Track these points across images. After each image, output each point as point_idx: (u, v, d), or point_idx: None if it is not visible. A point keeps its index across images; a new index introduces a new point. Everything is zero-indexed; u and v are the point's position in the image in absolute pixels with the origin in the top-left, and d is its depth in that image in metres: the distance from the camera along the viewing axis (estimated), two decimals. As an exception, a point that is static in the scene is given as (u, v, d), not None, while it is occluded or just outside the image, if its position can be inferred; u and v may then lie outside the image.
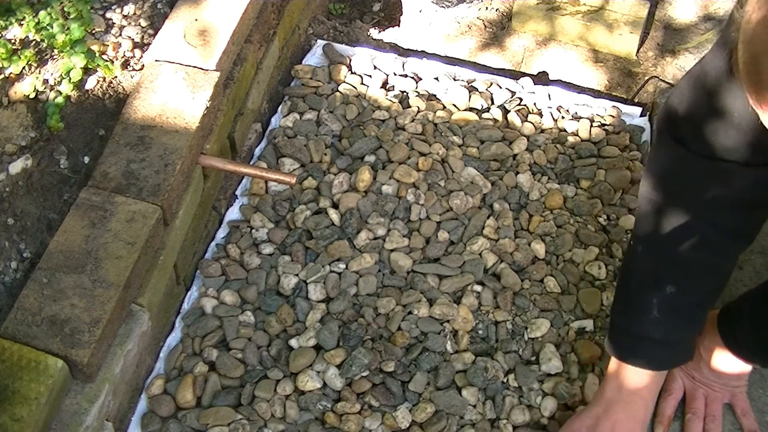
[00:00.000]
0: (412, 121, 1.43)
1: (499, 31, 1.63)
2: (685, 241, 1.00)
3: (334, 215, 1.30)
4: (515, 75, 1.56)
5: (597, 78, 1.58)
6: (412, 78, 1.51)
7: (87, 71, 1.14)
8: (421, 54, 1.60)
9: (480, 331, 1.22)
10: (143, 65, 1.17)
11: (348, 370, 1.15)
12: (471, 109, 1.47)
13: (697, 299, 1.05)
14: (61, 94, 1.11)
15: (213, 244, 1.29)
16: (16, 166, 1.04)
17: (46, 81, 1.12)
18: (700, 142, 0.94)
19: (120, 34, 1.20)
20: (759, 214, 1.02)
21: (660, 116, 1.01)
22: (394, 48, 1.62)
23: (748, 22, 0.58)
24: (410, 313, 1.22)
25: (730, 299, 1.13)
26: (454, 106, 1.47)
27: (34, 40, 1.14)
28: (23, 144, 1.06)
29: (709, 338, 1.12)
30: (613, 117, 1.48)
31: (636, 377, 1.08)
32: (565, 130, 1.46)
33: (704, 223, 0.99)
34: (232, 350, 1.18)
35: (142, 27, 1.22)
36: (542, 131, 1.45)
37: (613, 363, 1.10)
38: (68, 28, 1.13)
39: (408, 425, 1.13)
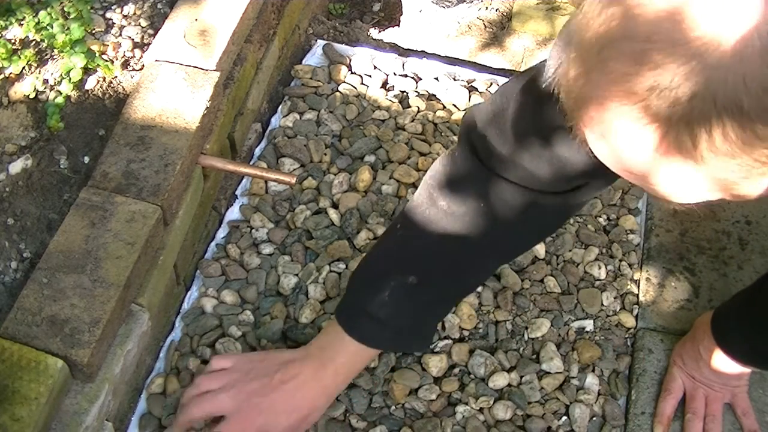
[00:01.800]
0: (412, 121, 1.43)
1: (499, 31, 1.63)
2: (447, 242, 0.98)
3: (334, 215, 1.30)
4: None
5: (597, 78, 1.58)
6: (412, 78, 1.51)
7: (87, 71, 1.14)
8: (421, 54, 1.60)
9: (480, 330, 1.23)
10: (143, 65, 1.17)
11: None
12: (471, 109, 1.47)
13: (436, 298, 1.03)
14: (61, 94, 1.11)
15: (213, 244, 1.29)
16: (16, 166, 1.04)
17: (46, 81, 1.12)
18: (495, 162, 0.93)
19: (120, 34, 1.20)
20: (531, 239, 1.04)
21: (463, 123, 0.99)
22: (394, 48, 1.62)
23: (566, 75, 0.59)
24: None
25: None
26: (454, 106, 1.47)
27: (34, 40, 1.14)
28: (23, 144, 1.06)
29: (709, 338, 1.12)
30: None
31: (346, 346, 1.02)
32: (565, 130, 1.46)
33: (475, 232, 0.97)
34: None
35: (142, 27, 1.22)
36: (542, 131, 1.45)
37: (333, 323, 1.04)
38: (68, 28, 1.13)
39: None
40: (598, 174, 0.83)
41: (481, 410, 1.16)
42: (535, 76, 0.88)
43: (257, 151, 1.40)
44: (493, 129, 0.93)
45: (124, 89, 1.15)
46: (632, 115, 0.54)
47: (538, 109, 0.85)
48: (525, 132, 0.90)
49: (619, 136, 0.56)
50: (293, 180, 1.18)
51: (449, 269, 1.02)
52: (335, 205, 1.32)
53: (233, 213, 1.32)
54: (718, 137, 0.51)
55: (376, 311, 1.01)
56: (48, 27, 1.13)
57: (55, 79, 1.12)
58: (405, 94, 1.48)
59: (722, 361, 1.12)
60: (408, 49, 1.62)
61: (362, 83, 1.49)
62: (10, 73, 1.11)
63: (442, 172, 1.00)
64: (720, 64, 0.50)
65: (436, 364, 1.17)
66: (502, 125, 0.91)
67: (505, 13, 1.65)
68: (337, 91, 1.47)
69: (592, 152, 0.62)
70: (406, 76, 1.51)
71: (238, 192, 1.35)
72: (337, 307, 1.06)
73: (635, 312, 1.27)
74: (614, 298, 1.27)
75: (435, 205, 0.99)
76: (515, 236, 1.02)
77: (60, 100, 1.10)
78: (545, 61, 0.86)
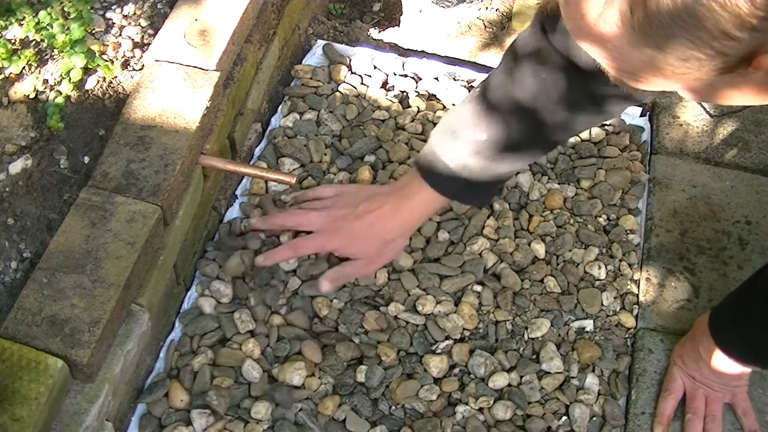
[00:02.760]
0: (412, 121, 1.43)
1: (499, 31, 1.63)
2: (517, 109, 1.03)
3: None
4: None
5: (597, 78, 1.58)
6: (412, 78, 1.51)
7: (87, 71, 1.14)
8: (421, 54, 1.60)
9: (480, 330, 1.23)
10: (143, 65, 1.17)
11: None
12: (471, 109, 1.47)
13: (501, 157, 1.07)
14: (61, 94, 1.11)
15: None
16: (16, 166, 1.04)
17: (46, 81, 1.12)
18: (558, 38, 0.96)
19: (120, 34, 1.20)
20: (586, 126, 1.12)
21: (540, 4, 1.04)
22: (394, 48, 1.62)
23: None
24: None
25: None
26: (454, 106, 1.47)
27: (34, 40, 1.14)
28: (23, 144, 1.06)
29: (708, 338, 1.12)
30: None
31: (424, 189, 1.12)
32: (565, 130, 1.46)
33: (541, 106, 1.02)
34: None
35: (142, 27, 1.22)
36: (542, 131, 1.45)
37: (413, 171, 1.14)
38: (68, 28, 1.13)
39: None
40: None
41: (481, 410, 1.16)
42: None
43: (257, 151, 1.40)
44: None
45: (124, 89, 1.15)
46: None
47: None
48: None
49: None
50: (293, 180, 1.18)
51: (517, 133, 1.05)
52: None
53: (233, 213, 1.32)
54: None
55: (449, 162, 1.08)
56: (48, 27, 1.13)
57: (55, 79, 1.12)
58: (405, 94, 1.48)
59: (722, 361, 1.12)
60: (408, 49, 1.62)
61: (362, 83, 1.49)
62: (10, 73, 1.11)
63: (521, 48, 1.03)
64: None
65: (436, 365, 1.17)
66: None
67: (505, 13, 1.65)
68: (337, 91, 1.47)
69: None
70: (406, 76, 1.51)
71: (238, 192, 1.35)
72: (420, 154, 1.13)
73: (635, 312, 1.27)
74: (614, 298, 1.27)
75: (511, 75, 1.03)
76: (578, 119, 1.06)
77: (60, 100, 1.10)
78: None
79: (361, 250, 1.16)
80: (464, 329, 1.22)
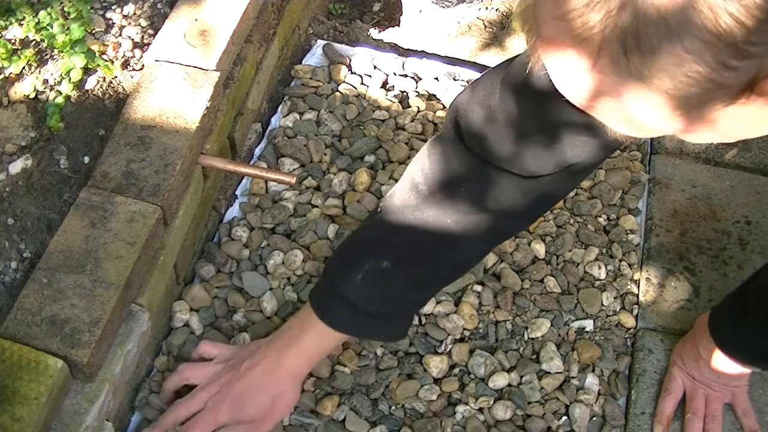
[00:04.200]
0: (412, 121, 1.43)
1: (499, 31, 1.63)
2: (426, 229, 0.96)
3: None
4: (515, 75, 1.56)
5: (597, 78, 1.58)
6: (412, 78, 1.51)
7: (87, 71, 1.14)
8: (421, 54, 1.60)
9: (480, 330, 1.23)
10: (143, 65, 1.17)
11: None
12: (471, 109, 1.47)
13: (410, 284, 1.01)
14: (61, 94, 1.11)
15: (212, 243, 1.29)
16: (16, 166, 1.04)
17: (46, 81, 1.12)
18: (494, 160, 0.92)
19: (120, 34, 1.20)
20: (529, 221, 1.03)
21: (450, 119, 0.98)
22: (394, 48, 1.62)
23: None
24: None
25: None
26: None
27: (34, 40, 1.14)
28: (23, 144, 1.06)
29: (708, 338, 1.12)
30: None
31: (314, 328, 1.03)
32: (565, 130, 1.46)
33: (453, 219, 0.96)
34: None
35: (142, 27, 1.22)
36: (542, 131, 1.45)
37: (307, 306, 1.06)
38: (68, 28, 1.13)
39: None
40: (600, 158, 0.84)
41: (481, 410, 1.16)
42: (516, 72, 0.87)
43: (257, 151, 1.40)
44: (489, 129, 0.92)
45: (124, 89, 1.15)
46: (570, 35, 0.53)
47: (536, 107, 0.85)
48: (525, 132, 0.89)
49: (560, 63, 0.56)
50: (293, 180, 1.18)
51: (425, 255, 1.00)
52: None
53: (233, 213, 1.32)
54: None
55: (348, 295, 1.00)
56: (48, 27, 1.13)
57: (55, 79, 1.12)
58: (405, 94, 1.48)
59: (722, 361, 1.12)
60: (408, 49, 1.62)
61: (362, 83, 1.49)
62: (10, 73, 1.11)
63: (430, 164, 0.98)
64: None
65: (437, 365, 1.17)
66: (497, 127, 0.91)
67: (505, 13, 1.65)
68: (337, 91, 1.47)
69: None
70: (406, 76, 1.51)
71: (238, 192, 1.35)
72: (312, 290, 1.07)
73: (635, 312, 1.27)
74: (614, 298, 1.27)
75: (418, 194, 0.98)
76: (513, 222, 1.02)
77: (60, 100, 1.10)
78: (519, 55, 0.85)
79: (250, 412, 1.04)
80: (464, 329, 1.22)
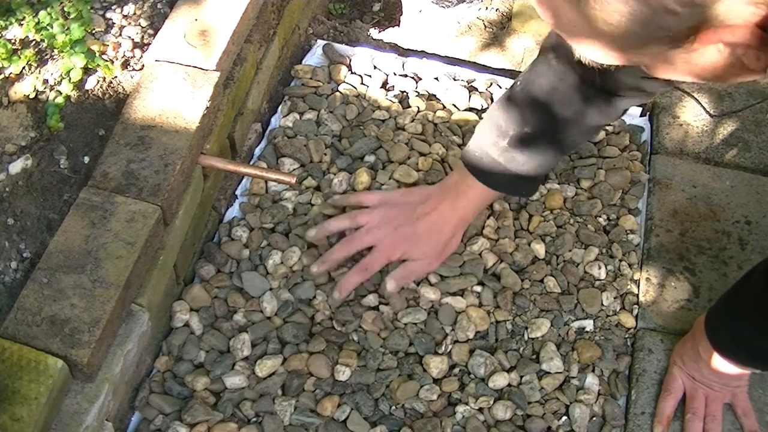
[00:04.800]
0: (412, 121, 1.43)
1: (499, 31, 1.63)
2: (555, 104, 1.07)
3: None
4: (515, 75, 1.56)
5: (597, 78, 1.58)
6: (412, 78, 1.51)
7: (87, 71, 1.14)
8: (421, 54, 1.60)
9: (480, 330, 1.23)
10: (143, 65, 1.17)
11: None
12: (471, 109, 1.47)
13: (546, 148, 1.12)
14: (61, 94, 1.11)
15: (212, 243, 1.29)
16: (16, 166, 1.04)
17: (46, 81, 1.12)
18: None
19: (120, 34, 1.20)
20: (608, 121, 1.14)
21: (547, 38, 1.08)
22: (394, 48, 1.62)
23: None
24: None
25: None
26: (454, 106, 1.47)
27: (34, 40, 1.14)
28: (23, 144, 1.06)
29: (707, 339, 1.12)
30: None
31: (475, 184, 1.16)
32: (565, 130, 1.46)
33: (571, 110, 1.07)
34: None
35: (142, 27, 1.22)
36: (542, 131, 1.45)
37: (460, 168, 1.18)
38: (68, 28, 1.13)
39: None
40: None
41: (481, 410, 1.16)
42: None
43: (257, 151, 1.40)
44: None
45: (124, 89, 1.15)
46: None
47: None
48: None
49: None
50: (293, 180, 1.18)
51: (557, 124, 1.10)
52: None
53: (233, 213, 1.32)
54: None
55: (497, 157, 1.12)
56: (48, 27, 1.13)
57: (55, 79, 1.12)
58: (405, 94, 1.48)
59: (722, 362, 1.12)
60: (408, 49, 1.62)
61: (362, 83, 1.49)
62: (10, 73, 1.11)
63: (546, 43, 1.08)
64: None
65: (437, 365, 1.17)
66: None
67: (505, 13, 1.65)
68: (337, 91, 1.47)
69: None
70: (406, 76, 1.51)
71: (238, 192, 1.35)
72: (465, 150, 1.17)
73: (635, 312, 1.27)
74: (614, 298, 1.27)
75: (548, 67, 1.07)
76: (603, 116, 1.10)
77: (60, 100, 1.10)
78: None
79: (426, 251, 1.19)
80: (477, 331, 1.22)
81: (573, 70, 1.04)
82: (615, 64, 0.61)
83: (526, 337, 1.23)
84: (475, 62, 1.61)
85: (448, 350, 1.20)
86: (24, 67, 1.12)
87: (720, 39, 0.52)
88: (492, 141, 1.12)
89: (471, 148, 1.16)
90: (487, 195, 1.19)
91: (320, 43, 1.55)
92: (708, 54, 0.54)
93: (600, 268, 1.29)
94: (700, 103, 1.51)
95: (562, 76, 1.05)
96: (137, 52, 1.19)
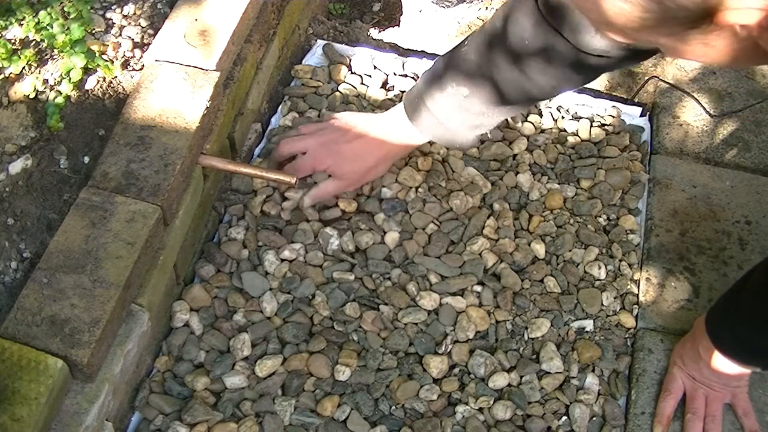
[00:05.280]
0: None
1: (499, 31, 1.63)
2: (499, 69, 1.08)
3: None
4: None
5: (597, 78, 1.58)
6: (412, 78, 1.51)
7: (87, 71, 1.14)
8: (421, 54, 1.60)
9: (480, 330, 1.23)
10: (143, 65, 1.17)
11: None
12: (471, 109, 1.47)
13: (480, 111, 1.14)
14: (61, 94, 1.11)
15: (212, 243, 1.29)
16: (16, 166, 1.04)
17: (46, 81, 1.12)
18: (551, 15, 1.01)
19: (120, 34, 1.20)
20: (569, 87, 1.13)
21: None
22: (394, 48, 1.62)
23: None
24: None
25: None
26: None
27: (34, 40, 1.14)
28: (23, 144, 1.06)
29: (707, 338, 1.12)
30: (613, 117, 1.48)
31: (408, 127, 1.21)
32: (565, 130, 1.46)
33: (523, 74, 1.07)
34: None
35: (142, 27, 1.22)
36: (542, 131, 1.45)
37: (400, 106, 1.22)
38: (68, 28, 1.13)
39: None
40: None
41: (481, 410, 1.16)
42: None
43: (257, 151, 1.40)
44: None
45: (124, 89, 1.15)
46: None
47: None
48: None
49: None
50: (293, 180, 1.18)
51: (495, 91, 1.12)
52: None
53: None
54: None
55: (434, 108, 1.16)
56: (48, 27, 1.13)
57: (55, 79, 1.12)
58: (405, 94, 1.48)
59: (722, 362, 1.12)
60: (408, 49, 1.62)
61: (362, 83, 1.49)
62: (10, 73, 1.11)
63: (507, 26, 1.07)
64: None
65: (436, 365, 1.17)
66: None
67: (505, 13, 1.65)
68: (337, 90, 1.47)
69: None
70: (406, 76, 1.51)
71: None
72: (406, 95, 1.22)
73: (635, 312, 1.27)
74: (614, 298, 1.27)
75: (494, 49, 1.09)
76: (562, 82, 1.12)
77: (60, 100, 1.10)
78: None
79: (347, 171, 1.25)
80: (478, 331, 1.22)
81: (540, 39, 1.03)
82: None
83: (526, 337, 1.23)
84: (475, 62, 1.60)
85: (448, 350, 1.20)
86: (24, 67, 1.12)
87: (737, 20, 0.52)
88: (429, 90, 1.16)
89: (413, 93, 1.20)
90: (417, 139, 1.24)
91: (320, 43, 1.55)
92: (724, 36, 0.55)
93: (600, 268, 1.29)
94: (700, 103, 1.51)
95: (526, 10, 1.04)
96: (137, 52, 1.19)
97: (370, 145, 1.25)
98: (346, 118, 1.29)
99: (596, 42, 0.99)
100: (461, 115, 1.15)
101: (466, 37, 1.14)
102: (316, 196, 1.27)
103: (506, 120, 1.42)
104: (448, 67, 1.14)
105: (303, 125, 1.33)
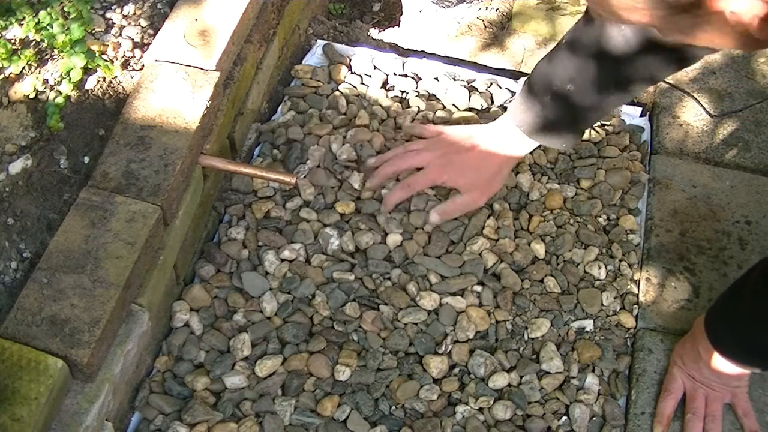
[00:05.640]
0: (412, 121, 1.43)
1: (499, 31, 1.63)
2: (596, 66, 1.09)
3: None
4: (515, 75, 1.56)
5: (597, 78, 1.58)
6: (412, 78, 1.51)
7: (87, 71, 1.14)
8: (421, 54, 1.60)
9: (480, 330, 1.23)
10: (143, 65, 1.17)
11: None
12: (471, 109, 1.47)
13: (586, 105, 1.14)
14: (61, 94, 1.11)
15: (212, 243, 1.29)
16: (16, 166, 1.04)
17: (46, 81, 1.12)
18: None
19: (120, 34, 1.20)
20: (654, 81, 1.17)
21: None
22: (394, 48, 1.62)
23: None
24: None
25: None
26: (454, 106, 1.47)
27: (34, 40, 1.14)
28: (23, 144, 1.06)
29: (707, 338, 1.12)
30: (613, 117, 1.48)
31: (521, 135, 1.20)
32: (565, 130, 1.46)
33: (618, 68, 1.08)
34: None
35: (142, 27, 1.22)
36: (542, 131, 1.45)
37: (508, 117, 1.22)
38: (68, 28, 1.13)
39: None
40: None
41: (481, 410, 1.16)
42: None
43: (257, 151, 1.40)
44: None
45: (124, 89, 1.15)
46: None
47: None
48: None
49: None
50: (293, 180, 1.18)
51: (597, 85, 1.12)
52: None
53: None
54: None
55: (541, 111, 1.15)
56: (48, 27, 1.13)
57: (55, 79, 1.12)
58: (405, 94, 1.48)
59: (721, 362, 1.12)
60: (408, 49, 1.62)
61: (362, 83, 1.49)
62: (10, 73, 1.11)
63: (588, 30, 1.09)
64: None
65: (436, 365, 1.17)
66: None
67: (505, 13, 1.65)
68: (337, 90, 1.47)
69: None
70: (406, 76, 1.51)
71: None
72: (512, 103, 1.21)
73: (635, 312, 1.27)
74: (614, 298, 1.27)
75: (594, 62, 1.09)
76: (646, 79, 1.13)
77: (60, 100, 1.10)
78: None
79: (471, 180, 1.23)
80: (478, 331, 1.22)
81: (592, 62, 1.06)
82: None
83: (526, 337, 1.23)
84: (475, 62, 1.61)
85: (448, 350, 1.20)
86: (24, 67, 1.12)
87: (727, 6, 0.53)
88: (534, 96, 1.15)
89: (518, 100, 1.19)
90: (525, 149, 1.22)
91: (320, 43, 1.55)
92: (716, 21, 0.55)
93: (600, 268, 1.29)
94: (700, 103, 1.51)
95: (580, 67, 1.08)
96: (137, 52, 1.19)
97: (485, 155, 1.23)
98: (456, 131, 1.28)
99: None
100: (567, 111, 1.15)
101: (550, 56, 1.14)
102: (446, 211, 1.25)
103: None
104: (546, 71, 1.14)
105: (410, 143, 1.30)
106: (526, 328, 1.23)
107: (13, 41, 1.13)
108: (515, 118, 1.20)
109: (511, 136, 1.21)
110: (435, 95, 1.49)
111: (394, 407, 1.16)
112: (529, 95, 1.17)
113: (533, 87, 1.16)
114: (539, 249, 1.30)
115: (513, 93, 1.50)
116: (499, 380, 1.18)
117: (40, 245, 1.01)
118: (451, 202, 1.24)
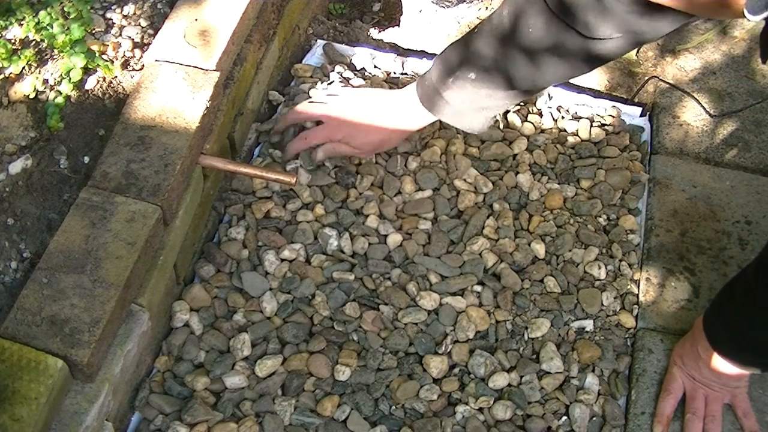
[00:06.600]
0: (412, 121, 1.43)
1: (499, 31, 1.63)
2: (506, 56, 1.11)
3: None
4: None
5: (597, 78, 1.58)
6: (412, 78, 1.51)
7: (87, 71, 1.14)
8: (421, 54, 1.60)
9: (480, 330, 1.23)
10: (143, 65, 1.17)
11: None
12: (471, 109, 1.47)
13: (487, 94, 1.17)
14: (61, 94, 1.11)
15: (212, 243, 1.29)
16: (16, 166, 1.04)
17: (46, 81, 1.12)
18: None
19: (120, 34, 1.20)
20: (575, 74, 1.15)
21: None
22: (394, 48, 1.62)
23: None
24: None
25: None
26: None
27: (34, 40, 1.14)
28: (23, 144, 1.06)
29: (706, 339, 1.12)
30: (613, 117, 1.48)
31: (420, 107, 1.23)
32: (565, 130, 1.46)
33: (530, 59, 1.10)
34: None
35: (142, 27, 1.22)
36: (542, 131, 1.45)
37: (413, 87, 1.25)
38: (68, 28, 1.13)
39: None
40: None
41: (481, 410, 1.16)
42: None
43: (257, 151, 1.40)
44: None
45: (124, 89, 1.15)
46: None
47: None
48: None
49: None
50: (293, 179, 1.18)
51: (503, 75, 1.15)
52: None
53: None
54: None
55: (444, 91, 1.19)
56: (48, 27, 1.13)
57: (55, 79, 1.12)
58: (405, 94, 1.48)
59: (721, 362, 1.12)
60: (408, 49, 1.62)
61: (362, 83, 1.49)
62: (10, 73, 1.11)
63: (513, 18, 1.09)
64: None
65: (436, 365, 1.17)
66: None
67: (505, 13, 1.65)
68: (337, 91, 1.47)
69: None
70: (405, 75, 1.51)
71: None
72: (419, 79, 1.24)
73: (635, 312, 1.27)
74: (614, 298, 1.27)
75: (501, 38, 1.11)
76: (571, 71, 1.14)
77: (60, 100, 1.10)
78: None
79: (362, 143, 1.30)
80: (478, 331, 1.22)
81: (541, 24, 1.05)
82: None
83: (526, 337, 1.23)
84: (475, 62, 1.60)
85: (448, 350, 1.20)
86: (24, 67, 1.12)
87: None
88: (444, 82, 1.18)
89: (426, 83, 1.22)
90: (426, 119, 1.27)
91: (320, 43, 1.55)
92: None
93: (600, 268, 1.29)
94: (700, 103, 1.51)
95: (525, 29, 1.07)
96: (137, 52, 1.19)
97: (385, 119, 1.28)
98: (360, 91, 1.34)
99: (604, 27, 1.01)
100: (468, 97, 1.19)
101: (473, 31, 1.16)
102: (329, 150, 1.31)
103: (505, 112, 1.45)
104: (463, 62, 1.16)
105: (317, 93, 1.37)
106: (526, 328, 1.23)
107: (13, 41, 1.13)
108: (419, 91, 1.24)
109: (412, 108, 1.25)
110: (435, 95, 1.49)
111: (394, 407, 1.16)
112: (437, 72, 1.20)
113: (441, 65, 1.19)
114: (539, 249, 1.30)
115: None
116: (499, 380, 1.18)
117: (40, 245, 1.01)
118: (338, 146, 1.30)
